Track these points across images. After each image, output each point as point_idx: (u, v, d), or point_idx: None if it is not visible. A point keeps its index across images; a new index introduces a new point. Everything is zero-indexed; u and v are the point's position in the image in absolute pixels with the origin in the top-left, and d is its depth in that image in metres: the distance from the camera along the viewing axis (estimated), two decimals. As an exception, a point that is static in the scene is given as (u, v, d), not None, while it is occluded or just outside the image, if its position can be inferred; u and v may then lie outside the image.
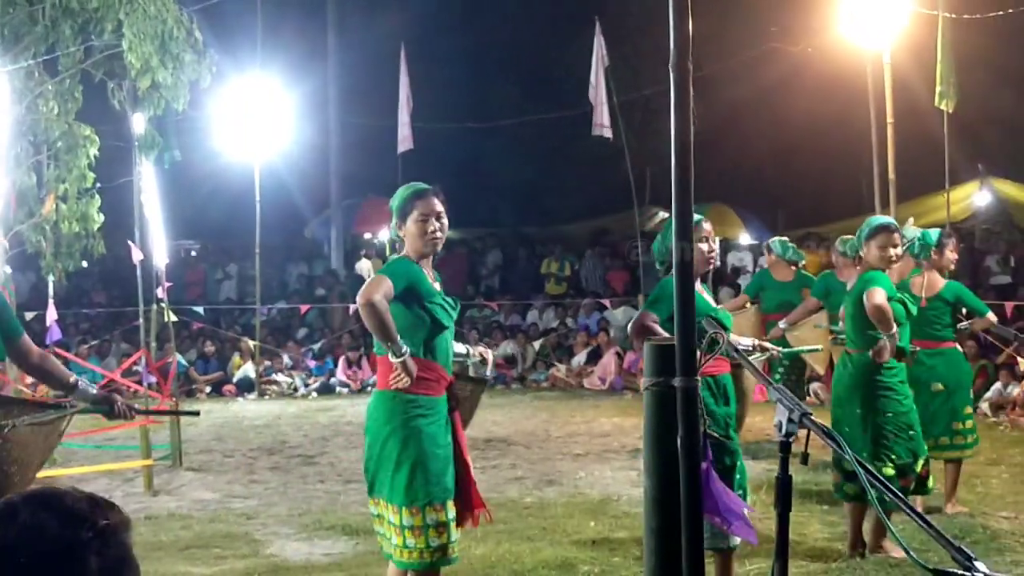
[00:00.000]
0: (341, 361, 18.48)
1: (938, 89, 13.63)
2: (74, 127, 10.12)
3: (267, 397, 17.33)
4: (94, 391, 5.08)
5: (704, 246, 5.94)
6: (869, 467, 2.87)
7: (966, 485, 9.37)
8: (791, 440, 3.09)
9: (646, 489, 3.78)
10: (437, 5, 27.22)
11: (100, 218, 10.50)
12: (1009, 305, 15.44)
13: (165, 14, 9.97)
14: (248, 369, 17.96)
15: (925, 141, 16.94)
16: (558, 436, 13.06)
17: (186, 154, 13.76)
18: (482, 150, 28.01)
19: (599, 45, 17.41)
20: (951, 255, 8.48)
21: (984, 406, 13.72)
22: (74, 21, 10.05)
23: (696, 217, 6.12)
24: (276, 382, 17.83)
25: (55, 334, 11.33)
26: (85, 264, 11.62)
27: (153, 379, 11.21)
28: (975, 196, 21.84)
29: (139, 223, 11.33)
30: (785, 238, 12.59)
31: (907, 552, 2.65)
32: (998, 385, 13.96)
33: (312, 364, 18.51)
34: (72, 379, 4.97)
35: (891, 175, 13.26)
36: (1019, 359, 13.96)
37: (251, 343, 18.03)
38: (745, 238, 24.45)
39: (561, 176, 28.56)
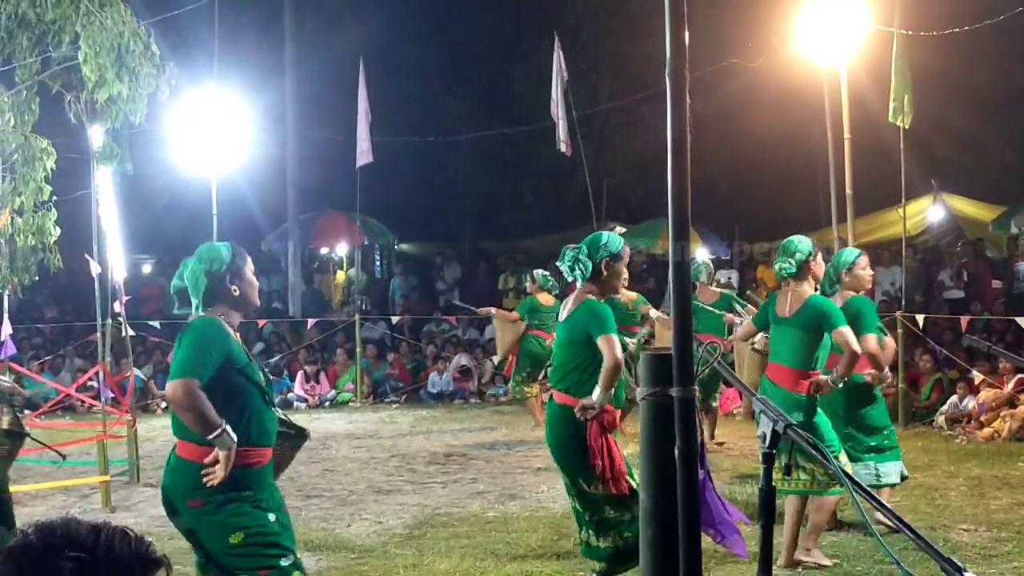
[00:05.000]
0: (299, 376, 18.37)
1: (891, 105, 13.76)
2: (31, 139, 9.98)
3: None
4: None
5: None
6: (856, 479, 2.88)
7: (925, 498, 9.46)
8: (775, 452, 3.09)
9: (642, 500, 3.76)
10: (396, 19, 27.20)
11: (56, 231, 10.36)
12: (964, 320, 15.60)
13: (122, 27, 9.86)
14: None
15: (880, 156, 17.11)
16: (518, 450, 13.04)
17: (142, 168, 13.62)
18: (440, 165, 28.00)
19: (559, 60, 17.42)
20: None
21: (940, 419, 13.84)
22: (31, 33, 9.91)
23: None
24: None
25: (10, 349, 11.15)
26: (37, 278, 11.47)
27: (111, 394, 11.07)
28: (928, 211, 22.10)
29: (96, 236, 11.20)
30: (543, 271, 14.31)
31: (899, 565, 2.65)
32: (954, 399, 14.08)
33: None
34: None
35: (848, 190, 13.37)
36: (975, 372, 14.10)
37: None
38: (702, 253, 24.55)
39: (519, 191, 28.59)
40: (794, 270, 7.25)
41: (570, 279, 6.41)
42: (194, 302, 5.00)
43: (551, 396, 6.56)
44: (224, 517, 4.89)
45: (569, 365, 6.34)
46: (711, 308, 12.50)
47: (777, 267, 7.35)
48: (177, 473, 4.98)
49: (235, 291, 5.06)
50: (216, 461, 4.80)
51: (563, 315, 6.45)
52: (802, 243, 7.37)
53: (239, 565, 4.94)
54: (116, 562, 1.97)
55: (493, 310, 15.30)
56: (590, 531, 6.53)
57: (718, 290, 13.09)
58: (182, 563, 7.66)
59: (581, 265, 6.28)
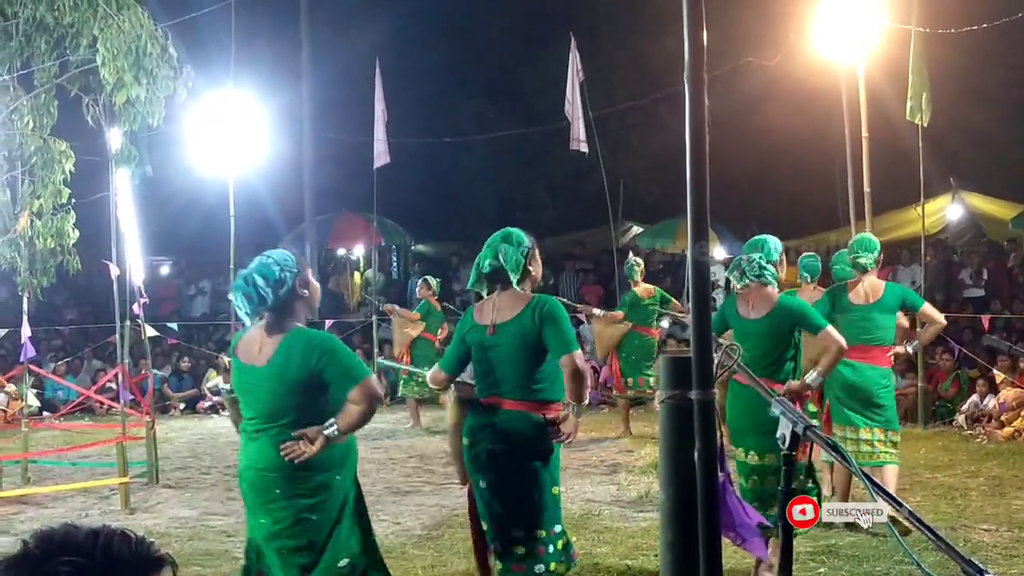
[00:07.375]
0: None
1: (909, 103, 13.71)
2: (50, 142, 10.01)
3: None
4: None
5: None
6: (875, 480, 2.87)
7: (945, 498, 9.42)
8: (794, 453, 3.08)
9: (662, 502, 3.74)
10: (411, 20, 27.23)
11: (75, 234, 10.41)
12: (985, 319, 15.53)
13: (139, 29, 9.88)
14: (219, 381, 17.95)
15: (898, 154, 17.03)
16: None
17: (159, 170, 13.65)
18: (456, 165, 28.00)
19: (574, 60, 17.40)
20: None
21: (960, 419, 13.78)
22: (49, 36, 9.94)
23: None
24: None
25: (29, 351, 11.21)
26: (56, 280, 11.51)
27: (131, 396, 11.11)
28: (947, 209, 22.00)
29: (115, 239, 11.24)
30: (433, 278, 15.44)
31: (920, 566, 2.64)
32: (974, 398, 14.01)
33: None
34: None
35: (866, 188, 13.32)
36: (995, 371, 14.02)
37: (227, 359, 17.93)
38: (719, 252, 24.48)
39: (534, 191, 28.57)
40: (873, 264, 8.41)
41: (752, 281, 6.95)
42: (514, 278, 5.66)
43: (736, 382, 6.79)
44: (553, 468, 5.60)
45: (772, 355, 6.88)
46: (647, 303, 13.64)
47: (864, 260, 8.36)
48: (528, 424, 5.53)
49: (534, 272, 5.81)
50: (564, 419, 5.51)
51: (755, 314, 6.94)
52: (876, 241, 8.62)
53: (555, 517, 5.57)
54: (115, 564, 1.97)
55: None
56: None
57: (651, 287, 14.04)
58: (201, 564, 7.70)
59: (768, 272, 6.95)
